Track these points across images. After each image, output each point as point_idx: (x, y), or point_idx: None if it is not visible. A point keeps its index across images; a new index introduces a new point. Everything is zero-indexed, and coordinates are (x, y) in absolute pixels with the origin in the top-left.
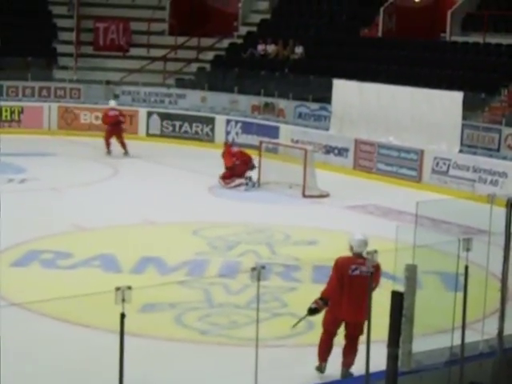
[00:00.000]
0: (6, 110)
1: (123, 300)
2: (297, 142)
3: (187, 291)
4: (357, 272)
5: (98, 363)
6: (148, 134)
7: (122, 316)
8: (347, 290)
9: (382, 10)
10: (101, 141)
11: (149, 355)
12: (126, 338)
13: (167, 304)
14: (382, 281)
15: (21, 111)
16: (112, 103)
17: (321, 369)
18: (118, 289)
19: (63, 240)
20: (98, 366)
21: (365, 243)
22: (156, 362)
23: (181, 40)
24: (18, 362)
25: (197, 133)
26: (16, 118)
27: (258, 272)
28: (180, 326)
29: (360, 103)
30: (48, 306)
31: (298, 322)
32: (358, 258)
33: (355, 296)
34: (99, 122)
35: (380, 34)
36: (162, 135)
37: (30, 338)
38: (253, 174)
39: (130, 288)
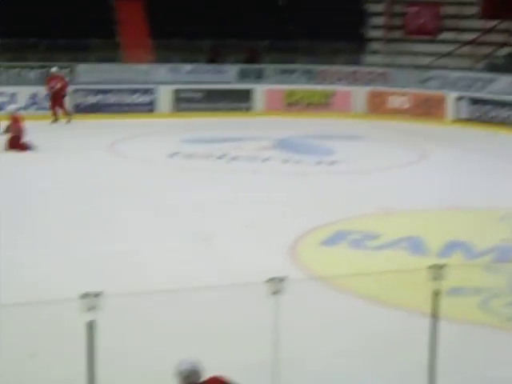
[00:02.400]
0: (317, 94)
1: (435, 278)
2: None
3: (493, 277)
4: None
5: (404, 343)
6: (457, 119)
7: (436, 293)
8: None
9: None
10: (408, 124)
11: (455, 338)
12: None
13: (472, 289)
14: None
15: (332, 95)
16: (54, 69)
17: None
18: (431, 267)
19: (371, 221)
20: (402, 346)
21: None
22: (462, 346)
23: (492, 23)
24: (323, 337)
25: (508, 117)
26: (326, 101)
27: None
28: (485, 312)
29: None
30: (354, 284)
31: None
32: None
33: None
34: (407, 106)
35: None
36: (471, 120)
37: (336, 313)
38: None
39: (442, 267)
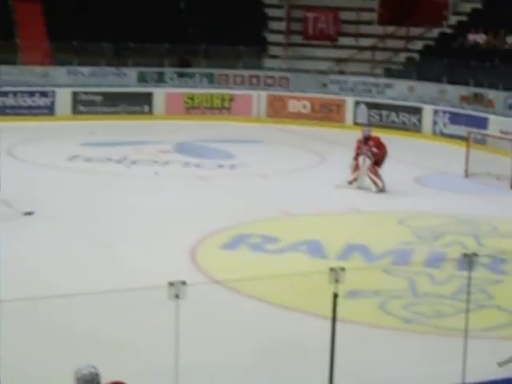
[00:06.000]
0: (217, 98)
1: (337, 280)
2: (506, 133)
3: (392, 279)
4: None
5: (305, 346)
6: (355, 123)
7: (335, 296)
8: None
9: None
10: (308, 129)
11: (354, 340)
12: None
13: (372, 291)
14: None
15: (231, 99)
16: None
17: None
18: (332, 269)
19: (271, 225)
20: (305, 348)
21: None
22: (360, 348)
23: (389, 29)
24: (224, 341)
25: (404, 123)
26: (226, 105)
27: (470, 260)
28: (384, 314)
29: None
30: (255, 288)
31: (507, 362)
32: None
33: None
34: (307, 110)
35: None
36: (369, 124)
37: (237, 317)
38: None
39: (343, 269)
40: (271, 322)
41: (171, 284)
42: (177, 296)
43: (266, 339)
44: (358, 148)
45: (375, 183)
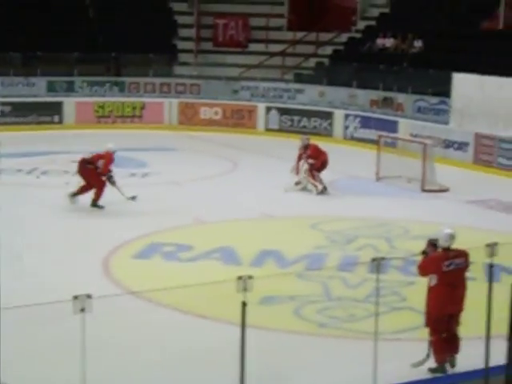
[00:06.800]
0: (128, 106)
1: (245, 289)
2: (416, 136)
3: (306, 284)
4: (451, 267)
5: (217, 354)
6: (267, 129)
7: (244, 304)
8: (446, 285)
9: (502, 1)
10: (220, 135)
11: (268, 347)
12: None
13: (286, 297)
14: (502, 275)
15: (142, 107)
16: None
17: (444, 369)
18: (239, 278)
19: (184, 233)
20: (217, 356)
21: (452, 237)
22: (275, 354)
23: (299, 35)
24: (136, 351)
25: (315, 127)
26: (137, 113)
27: (378, 263)
28: (299, 319)
29: (481, 97)
30: (168, 297)
31: (421, 363)
32: (448, 252)
33: (453, 289)
34: (218, 117)
35: (501, 26)
36: (281, 130)
37: (151, 327)
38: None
39: (251, 277)
40: (184, 330)
41: (75, 297)
42: (82, 310)
43: (177, 347)
44: (300, 154)
45: (315, 186)
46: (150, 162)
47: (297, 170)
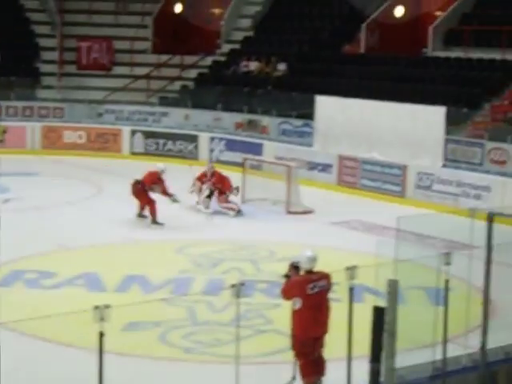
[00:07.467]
0: None
1: (102, 319)
2: (280, 158)
3: (171, 309)
4: (315, 289)
5: (77, 382)
6: (132, 153)
7: (101, 335)
8: (310, 308)
9: (364, 26)
10: (84, 159)
11: (132, 374)
12: (110, 357)
13: (151, 322)
14: (366, 296)
15: (4, 131)
16: None
17: None
18: (96, 307)
19: (47, 259)
20: None
21: (314, 259)
22: (139, 381)
23: (164, 58)
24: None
25: (181, 151)
26: (0, 137)
27: (238, 289)
28: (164, 345)
29: (343, 119)
30: (29, 326)
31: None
32: (311, 274)
33: (317, 312)
34: (83, 140)
35: (362, 50)
36: (146, 153)
37: (12, 357)
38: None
39: (108, 307)
40: (45, 358)
41: None
42: None
43: (40, 377)
44: (203, 176)
45: (230, 209)
46: (12, 187)
47: (199, 190)
